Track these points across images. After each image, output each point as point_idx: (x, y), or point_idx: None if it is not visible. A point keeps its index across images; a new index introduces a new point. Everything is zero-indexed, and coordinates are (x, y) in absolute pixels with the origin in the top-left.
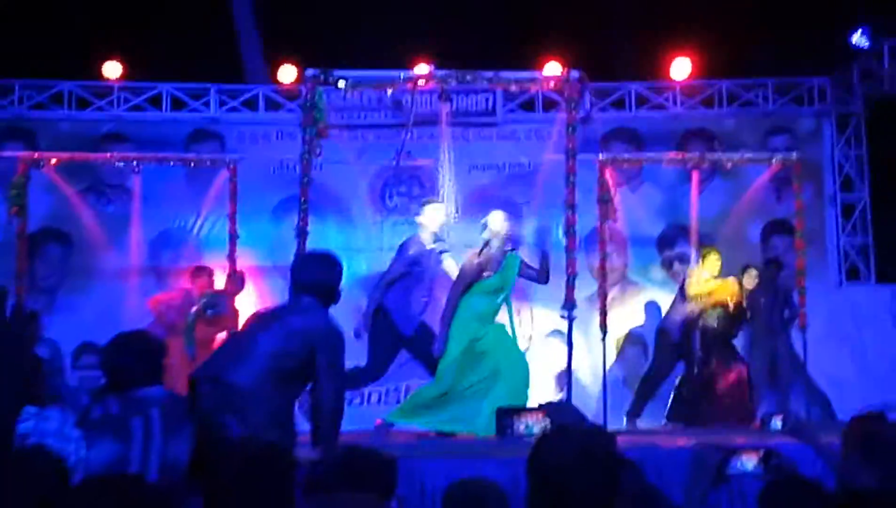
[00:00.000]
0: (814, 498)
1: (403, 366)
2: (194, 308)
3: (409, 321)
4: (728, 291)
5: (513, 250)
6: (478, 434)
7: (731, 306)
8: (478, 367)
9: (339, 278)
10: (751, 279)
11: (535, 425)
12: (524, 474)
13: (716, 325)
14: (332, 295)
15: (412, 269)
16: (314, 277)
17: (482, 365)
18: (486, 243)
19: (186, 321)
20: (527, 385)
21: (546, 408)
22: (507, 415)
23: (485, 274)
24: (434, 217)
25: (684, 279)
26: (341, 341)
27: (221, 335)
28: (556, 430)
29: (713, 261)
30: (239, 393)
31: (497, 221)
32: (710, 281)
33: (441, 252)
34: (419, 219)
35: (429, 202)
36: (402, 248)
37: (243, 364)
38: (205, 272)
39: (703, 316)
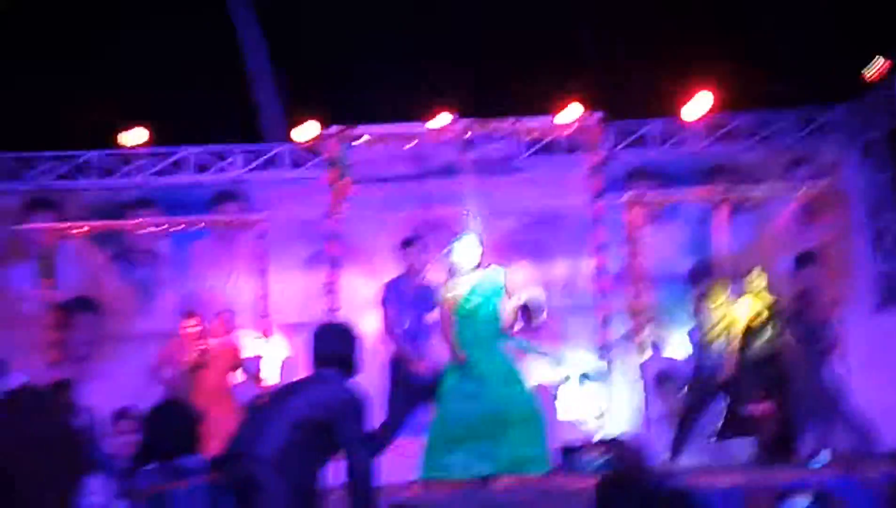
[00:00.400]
0: None
1: None
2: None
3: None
4: (742, 311)
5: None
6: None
7: (750, 324)
8: (474, 397)
9: (359, 348)
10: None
11: (598, 459)
12: None
13: (744, 355)
14: (353, 365)
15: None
16: (333, 348)
17: (478, 393)
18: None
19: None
20: (537, 418)
21: (610, 444)
22: (572, 451)
23: (453, 296)
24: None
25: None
26: (364, 408)
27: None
28: (615, 480)
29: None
30: (260, 476)
31: (464, 249)
32: (721, 309)
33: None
34: (454, 259)
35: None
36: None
37: (268, 436)
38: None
39: (732, 347)
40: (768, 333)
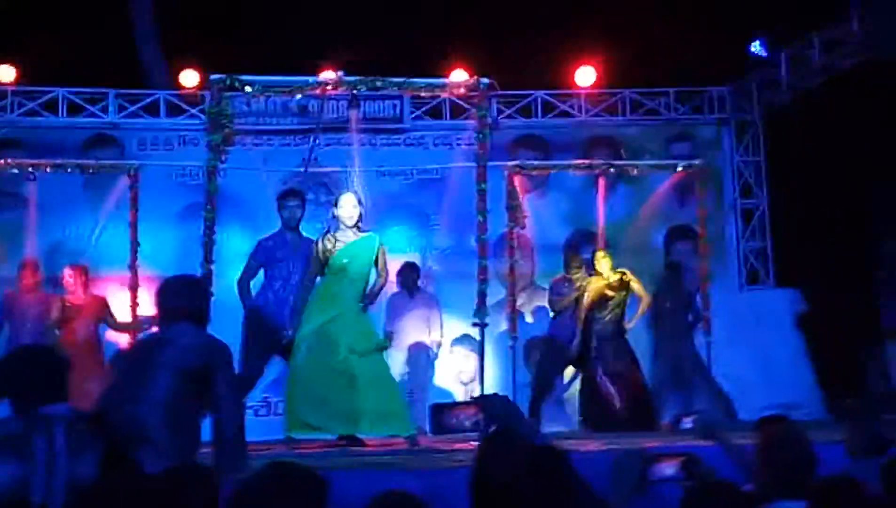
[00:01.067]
0: (734, 502)
1: None
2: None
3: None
4: (591, 286)
5: (369, 231)
6: (370, 435)
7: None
8: (330, 354)
9: (209, 300)
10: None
11: (468, 420)
12: (443, 486)
13: (604, 326)
14: (205, 318)
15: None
16: (186, 302)
17: (335, 351)
18: (332, 226)
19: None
20: (390, 379)
21: (480, 400)
22: (441, 410)
23: (328, 253)
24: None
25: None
26: (231, 355)
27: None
28: (498, 439)
29: (605, 261)
30: (146, 425)
31: (345, 204)
32: (578, 281)
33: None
34: (336, 211)
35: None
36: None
37: (146, 393)
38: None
39: (592, 318)
40: (611, 309)
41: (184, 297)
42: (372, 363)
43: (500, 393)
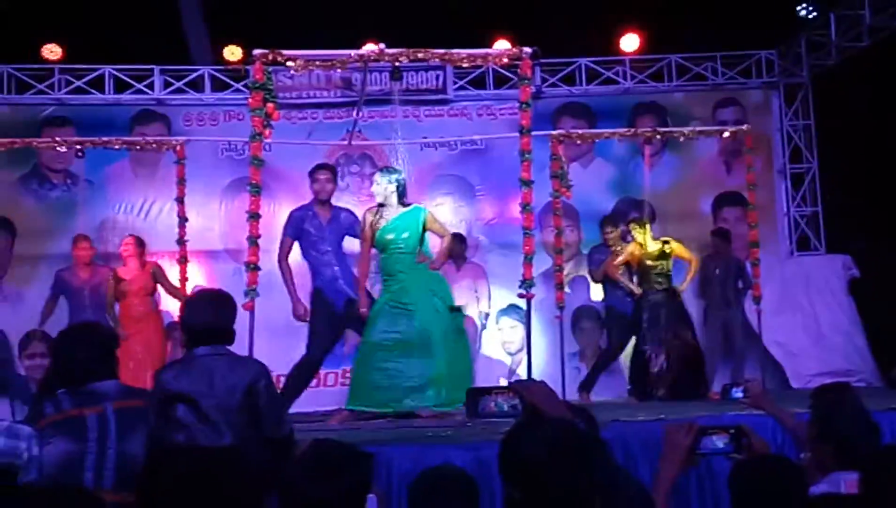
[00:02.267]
0: (784, 476)
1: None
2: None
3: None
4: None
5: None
6: (433, 409)
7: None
8: (400, 327)
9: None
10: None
11: (505, 403)
12: (490, 459)
13: (653, 295)
14: (233, 335)
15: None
16: (217, 320)
17: (404, 326)
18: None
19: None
20: (467, 354)
21: (516, 386)
22: (477, 394)
23: (374, 227)
24: (375, 186)
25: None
26: (268, 371)
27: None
28: (527, 419)
29: (638, 232)
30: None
31: (375, 183)
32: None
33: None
34: (373, 189)
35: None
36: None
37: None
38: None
39: (646, 287)
40: (656, 277)
41: (215, 314)
42: (444, 323)
43: (538, 379)
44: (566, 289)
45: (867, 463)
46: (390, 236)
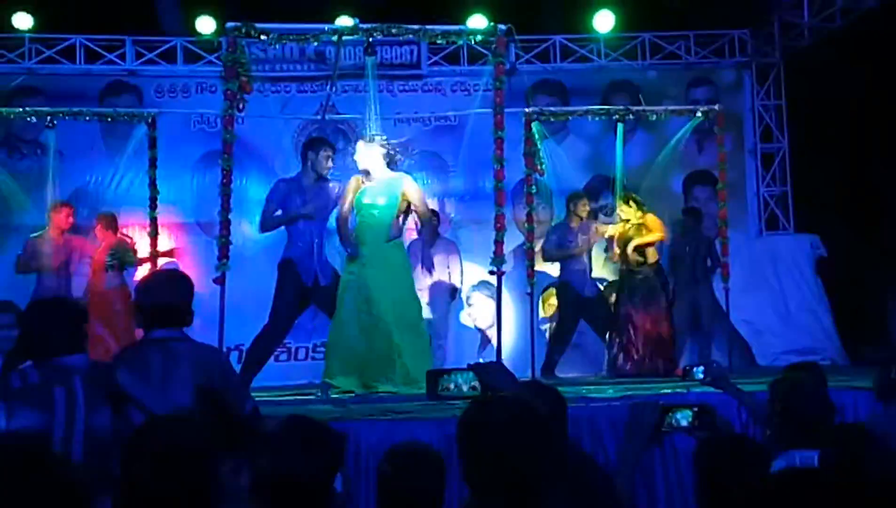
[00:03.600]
0: (746, 454)
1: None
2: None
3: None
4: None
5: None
6: (399, 392)
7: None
8: (365, 305)
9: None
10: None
11: (465, 385)
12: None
13: (634, 271)
14: (191, 315)
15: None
16: (175, 299)
17: (370, 302)
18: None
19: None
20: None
21: (475, 369)
22: (437, 376)
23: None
24: (357, 153)
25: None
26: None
27: None
28: (483, 395)
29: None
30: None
31: (357, 150)
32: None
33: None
34: (355, 157)
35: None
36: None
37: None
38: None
39: (626, 264)
40: (639, 254)
41: (174, 294)
42: (406, 310)
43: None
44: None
45: (828, 441)
46: (367, 200)
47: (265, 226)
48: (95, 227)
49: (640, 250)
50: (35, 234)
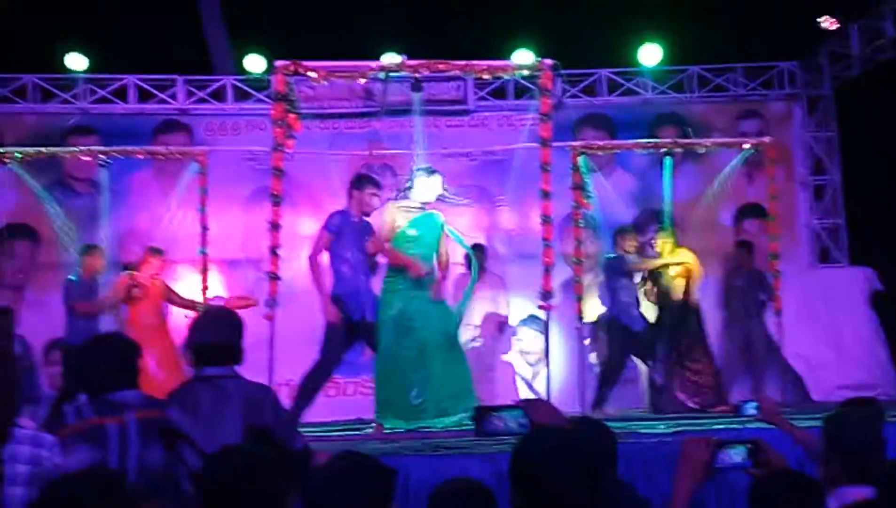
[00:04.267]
0: (802, 492)
1: None
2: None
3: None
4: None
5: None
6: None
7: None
8: (409, 341)
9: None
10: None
11: (513, 421)
12: (506, 470)
13: (670, 308)
14: (242, 353)
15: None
16: (224, 338)
17: (413, 339)
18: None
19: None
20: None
21: (523, 405)
22: (485, 412)
23: (397, 224)
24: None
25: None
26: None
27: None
28: (534, 431)
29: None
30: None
31: (433, 184)
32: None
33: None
34: (415, 181)
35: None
36: None
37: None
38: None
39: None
40: (676, 289)
41: (223, 332)
42: (450, 344)
43: (553, 393)
44: (595, 299)
45: (879, 478)
46: (414, 234)
47: (313, 254)
48: (144, 259)
49: (664, 285)
50: (71, 277)
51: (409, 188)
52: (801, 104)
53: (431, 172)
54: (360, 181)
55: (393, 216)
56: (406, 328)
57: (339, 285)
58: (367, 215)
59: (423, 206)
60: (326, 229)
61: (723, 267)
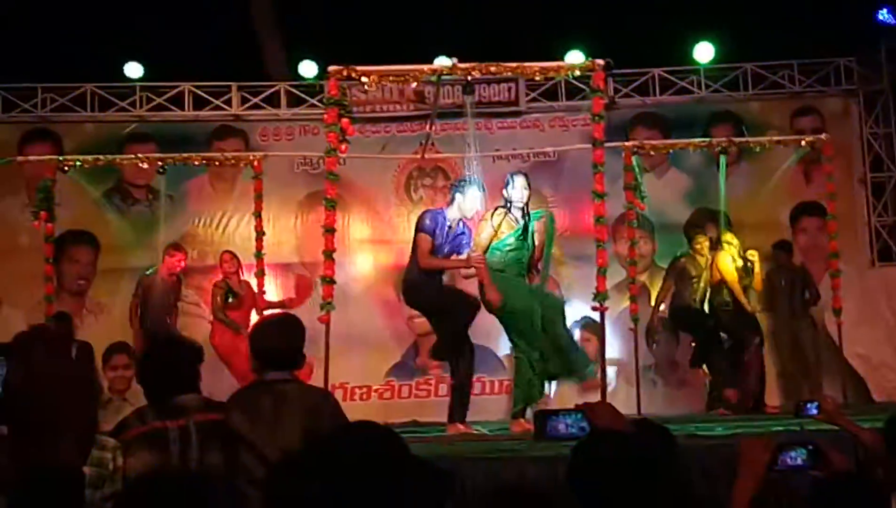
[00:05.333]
0: (864, 494)
1: None
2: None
3: None
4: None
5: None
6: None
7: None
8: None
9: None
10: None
11: (574, 426)
12: (563, 475)
13: (730, 306)
14: (303, 359)
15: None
16: (288, 344)
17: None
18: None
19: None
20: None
21: (584, 409)
22: (545, 416)
23: (500, 232)
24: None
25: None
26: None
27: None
28: (593, 436)
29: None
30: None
31: (518, 186)
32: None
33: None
34: (507, 192)
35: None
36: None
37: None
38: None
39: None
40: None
41: (286, 338)
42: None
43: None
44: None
45: None
46: (517, 240)
47: (430, 265)
48: (223, 261)
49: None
50: (148, 272)
51: (511, 202)
52: (859, 100)
53: (524, 173)
54: (464, 186)
55: (499, 223)
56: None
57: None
58: (460, 217)
59: (523, 208)
60: (429, 233)
61: (766, 268)
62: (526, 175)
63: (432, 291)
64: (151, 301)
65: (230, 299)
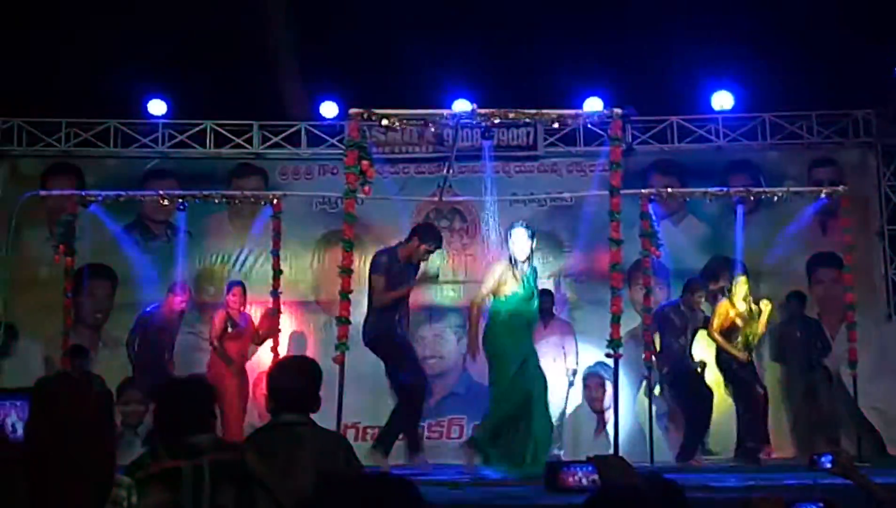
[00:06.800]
0: None
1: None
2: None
3: None
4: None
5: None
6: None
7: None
8: (515, 394)
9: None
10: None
11: (584, 478)
12: None
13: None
14: (318, 401)
15: None
16: (301, 386)
17: (518, 393)
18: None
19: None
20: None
21: (595, 461)
22: (557, 467)
23: (503, 286)
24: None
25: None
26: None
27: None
28: (602, 491)
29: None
30: None
31: (517, 239)
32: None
33: None
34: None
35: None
36: None
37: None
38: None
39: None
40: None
41: (300, 380)
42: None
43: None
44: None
45: None
46: (526, 296)
47: (383, 302)
48: (230, 294)
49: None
50: (148, 309)
51: (516, 260)
52: (877, 153)
53: (524, 224)
54: (427, 235)
55: (500, 274)
56: (519, 388)
57: (379, 326)
58: (412, 259)
59: (525, 261)
60: (381, 274)
61: (779, 318)
62: (528, 226)
63: (386, 339)
64: (149, 338)
65: (229, 329)
